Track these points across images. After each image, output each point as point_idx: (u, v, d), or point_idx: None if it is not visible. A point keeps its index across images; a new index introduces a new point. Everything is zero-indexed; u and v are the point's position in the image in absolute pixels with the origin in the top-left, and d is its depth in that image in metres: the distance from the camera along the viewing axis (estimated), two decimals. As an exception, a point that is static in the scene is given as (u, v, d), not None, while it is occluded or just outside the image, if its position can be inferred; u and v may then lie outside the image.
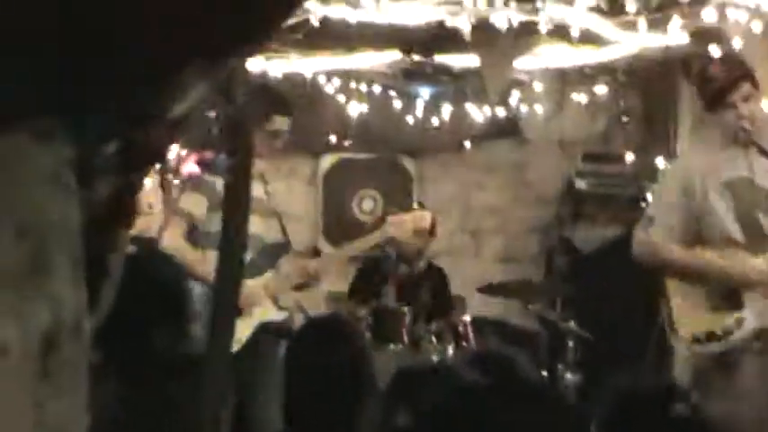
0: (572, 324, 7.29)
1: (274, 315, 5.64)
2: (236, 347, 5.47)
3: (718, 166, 4.99)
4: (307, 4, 5.69)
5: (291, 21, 5.85)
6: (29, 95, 1.06)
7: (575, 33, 6.17)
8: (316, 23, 5.96)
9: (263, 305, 5.68)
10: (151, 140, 1.27)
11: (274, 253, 5.79)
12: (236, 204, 1.39)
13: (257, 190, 5.69)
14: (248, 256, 5.63)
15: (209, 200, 5.52)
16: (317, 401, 3.46)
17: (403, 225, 6.06)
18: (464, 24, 5.93)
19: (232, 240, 1.41)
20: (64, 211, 1.07)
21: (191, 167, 6.30)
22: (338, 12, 5.92)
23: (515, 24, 5.90)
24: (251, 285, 5.59)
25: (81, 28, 1.03)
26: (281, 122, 5.60)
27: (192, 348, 3.47)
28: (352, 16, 5.96)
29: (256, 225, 5.69)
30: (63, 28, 1.04)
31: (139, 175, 1.35)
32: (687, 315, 5.02)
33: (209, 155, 5.81)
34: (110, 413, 2.83)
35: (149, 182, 6.81)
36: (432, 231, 7.66)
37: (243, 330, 5.52)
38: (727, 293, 4.92)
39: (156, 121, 1.23)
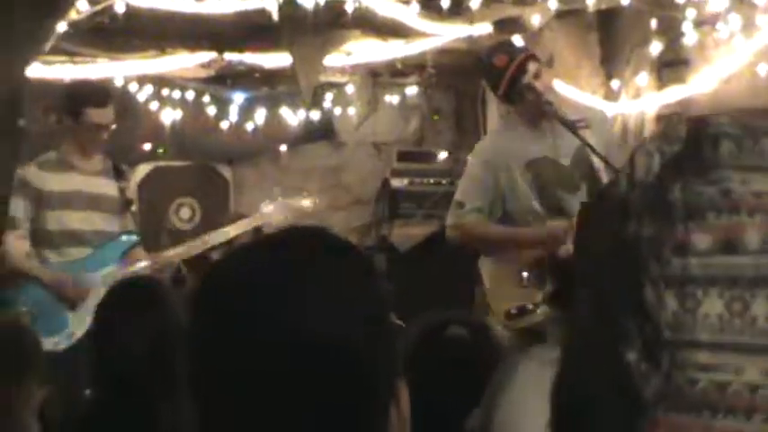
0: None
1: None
2: (67, 342, 5.36)
3: (521, 146, 5.16)
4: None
5: (94, 8, 5.80)
6: None
7: (381, 22, 6.26)
8: (122, 9, 5.87)
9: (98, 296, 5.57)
10: None
11: (119, 246, 5.70)
12: None
13: (100, 185, 5.61)
14: (87, 251, 5.55)
15: (31, 200, 5.44)
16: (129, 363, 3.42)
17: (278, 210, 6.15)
18: (272, 6, 5.94)
19: None
20: None
21: None
22: (143, 1, 5.85)
23: (321, 5, 5.93)
24: (89, 278, 5.51)
25: None
26: (98, 115, 5.52)
27: None
28: (158, 4, 5.90)
29: (96, 219, 5.61)
30: None
31: None
32: (500, 295, 5.15)
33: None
34: None
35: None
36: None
37: (78, 324, 5.41)
38: (537, 272, 5.07)
39: None
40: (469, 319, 2.93)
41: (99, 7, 5.71)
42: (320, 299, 1.33)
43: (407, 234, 8.49)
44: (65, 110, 5.59)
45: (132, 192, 8.61)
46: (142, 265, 5.67)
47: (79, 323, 5.41)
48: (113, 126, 5.59)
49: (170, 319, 3.53)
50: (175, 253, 6.05)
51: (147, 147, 8.47)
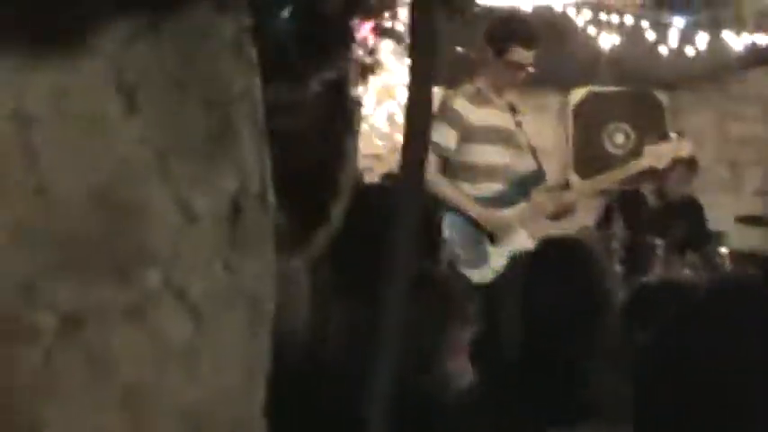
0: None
1: (528, 245, 5.64)
2: (491, 276, 5.54)
3: None
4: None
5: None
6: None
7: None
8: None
9: (517, 234, 5.71)
10: (333, 6, 1.28)
11: (527, 184, 5.80)
12: (416, 118, 1.34)
13: (509, 121, 5.72)
14: (500, 187, 5.69)
15: (458, 130, 5.58)
16: (556, 320, 3.47)
17: (661, 154, 6.02)
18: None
19: (414, 153, 1.37)
20: (246, 82, 1.11)
21: (365, 33, 6.35)
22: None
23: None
24: (505, 215, 5.65)
25: None
26: (521, 55, 5.55)
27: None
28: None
29: (507, 156, 5.73)
30: None
31: (339, 65, 1.38)
32: None
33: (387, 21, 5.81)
34: (343, 328, 2.93)
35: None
36: (692, 166, 7.54)
37: (497, 259, 5.57)
38: None
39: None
40: None
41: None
42: None
43: None
44: (490, 42, 5.63)
45: (568, 116, 8.68)
46: (548, 204, 5.75)
47: (499, 258, 5.55)
48: (532, 69, 5.59)
49: (596, 284, 3.56)
50: (578, 190, 6.10)
51: (584, 71, 8.45)
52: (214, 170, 1.06)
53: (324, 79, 1.40)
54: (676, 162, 6.57)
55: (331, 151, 1.54)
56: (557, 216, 5.87)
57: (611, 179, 6.20)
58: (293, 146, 1.39)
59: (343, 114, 1.49)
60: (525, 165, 5.79)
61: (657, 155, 6.04)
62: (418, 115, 1.30)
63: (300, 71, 1.35)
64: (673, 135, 6.21)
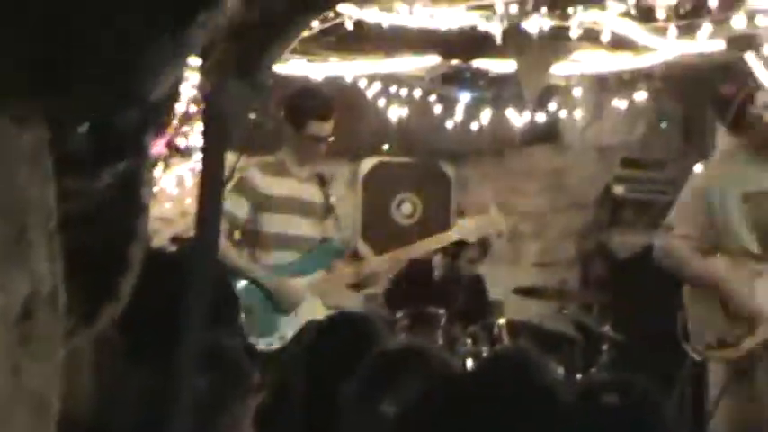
0: (607, 328, 7.33)
1: (320, 314, 5.71)
2: (278, 343, 5.60)
3: (742, 177, 5.05)
4: (341, 8, 5.76)
5: (325, 24, 5.96)
6: (5, 80, 1.13)
7: (606, 39, 6.22)
8: (350, 26, 6.04)
9: (310, 304, 5.77)
10: (130, 123, 1.34)
11: (328, 254, 5.89)
12: (209, 187, 1.42)
13: (312, 193, 5.81)
14: (296, 257, 5.76)
15: (252, 201, 5.64)
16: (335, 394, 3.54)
17: (472, 228, 6.20)
18: (496, 29, 5.99)
19: (206, 223, 1.45)
20: (42, 190, 1.14)
21: (159, 149, 6.44)
22: (372, 15, 5.99)
23: (547, 29, 5.96)
24: (298, 285, 5.71)
25: (48, 13, 1.11)
26: (319, 128, 5.69)
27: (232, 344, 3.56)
28: (387, 20, 6.03)
29: (306, 226, 5.81)
30: (34, 13, 1.11)
31: (139, 161, 1.42)
32: (701, 322, 5.09)
33: (180, 138, 5.95)
34: (133, 396, 2.92)
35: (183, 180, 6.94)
36: (485, 247, 7.76)
37: (288, 328, 5.63)
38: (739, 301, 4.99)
39: (133, 104, 1.29)
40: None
41: (328, 24, 5.86)
42: None
43: (627, 242, 8.42)
44: (288, 118, 5.76)
45: (357, 185, 8.84)
46: (347, 273, 5.85)
47: (289, 327, 5.63)
48: (331, 139, 5.74)
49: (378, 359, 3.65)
50: (379, 262, 6.22)
51: (373, 142, 8.64)
52: (7, 275, 1.09)
53: (116, 172, 1.43)
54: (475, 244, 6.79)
55: (120, 231, 1.56)
56: (357, 286, 5.99)
57: (413, 252, 6.30)
58: (82, 228, 1.41)
59: (134, 198, 1.52)
60: (328, 235, 5.90)
61: (469, 229, 6.23)
62: (210, 186, 1.36)
63: (93, 167, 1.38)
64: (492, 210, 6.40)
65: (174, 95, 1.50)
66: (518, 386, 3.21)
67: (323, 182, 5.92)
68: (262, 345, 5.59)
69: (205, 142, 1.44)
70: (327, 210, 5.90)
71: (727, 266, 5.05)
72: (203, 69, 1.53)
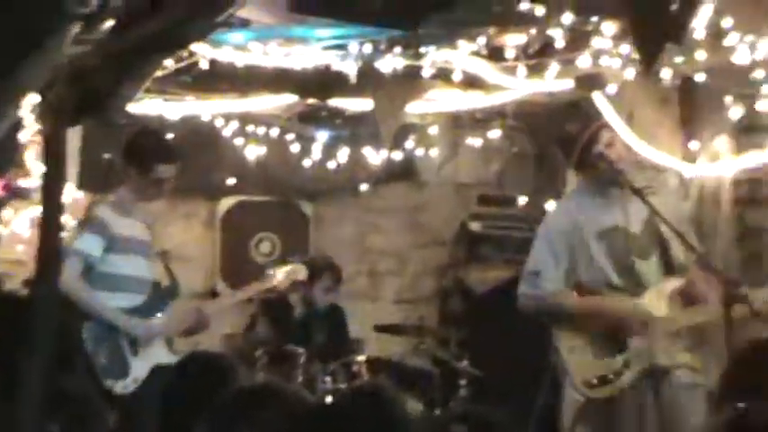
0: (465, 363, 7.41)
1: (166, 358, 5.65)
2: (132, 387, 5.53)
3: (595, 215, 5.18)
4: (195, 48, 5.76)
5: (180, 64, 5.95)
6: None
7: (458, 78, 6.34)
8: (205, 66, 6.04)
9: (158, 346, 5.72)
10: None
11: (165, 296, 5.85)
12: (47, 227, 1.42)
13: (148, 233, 5.77)
14: (142, 298, 5.69)
15: (104, 238, 5.57)
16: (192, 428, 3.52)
17: (279, 277, 6.33)
18: (351, 68, 6.06)
19: (46, 265, 1.44)
20: None
21: None
22: (227, 55, 5.99)
23: (400, 69, 6.05)
24: (149, 326, 5.67)
25: None
26: (164, 170, 5.66)
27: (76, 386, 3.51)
28: (241, 60, 6.04)
29: (147, 267, 5.76)
30: None
31: None
32: (576, 360, 5.17)
33: (19, 181, 5.92)
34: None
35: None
36: (336, 276, 7.81)
37: (139, 370, 5.58)
38: (611, 337, 5.10)
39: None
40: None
41: (183, 64, 5.86)
42: None
43: (484, 277, 8.54)
44: (130, 160, 5.71)
45: (216, 224, 8.79)
46: (185, 318, 5.87)
47: (141, 368, 5.58)
48: (173, 180, 5.72)
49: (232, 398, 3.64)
50: (216, 306, 6.33)
51: (231, 181, 8.61)
52: None
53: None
54: (323, 272, 6.93)
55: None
56: (190, 332, 5.96)
57: (253, 291, 6.41)
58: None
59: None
60: (162, 277, 5.87)
61: (277, 277, 6.35)
62: (48, 227, 1.35)
63: None
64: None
65: (11, 137, 1.49)
66: (373, 421, 3.24)
67: (159, 223, 5.93)
68: (118, 388, 5.52)
69: (43, 184, 1.43)
70: (165, 252, 5.92)
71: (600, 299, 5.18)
72: (40, 112, 1.53)
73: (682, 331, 5.11)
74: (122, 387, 5.53)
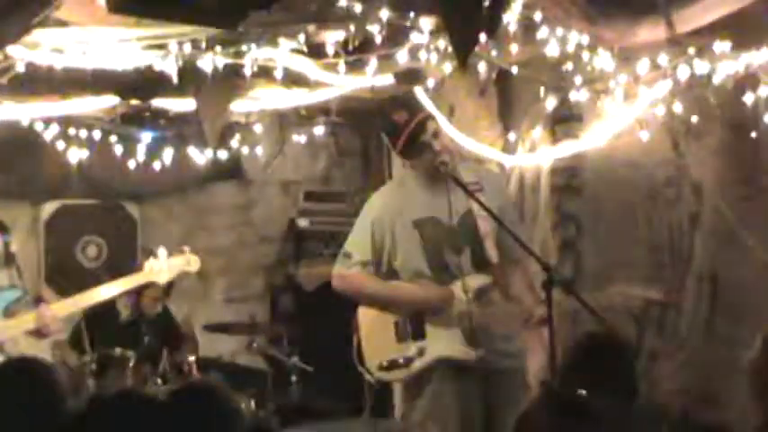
0: (296, 359, 7.46)
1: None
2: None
3: (413, 204, 5.27)
4: (10, 50, 5.64)
5: (-6, 68, 5.82)
6: None
7: (280, 75, 6.36)
8: (21, 69, 5.91)
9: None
10: None
11: (8, 302, 5.71)
12: None
13: None
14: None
15: None
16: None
17: (163, 269, 6.09)
18: (172, 68, 6.01)
19: None
20: None
21: None
22: (45, 57, 5.87)
23: (221, 67, 6.04)
24: None
25: None
26: None
27: None
28: (59, 61, 5.92)
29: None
30: None
31: None
32: (375, 345, 5.27)
33: None
34: None
35: None
36: (168, 286, 7.70)
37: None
38: (413, 325, 5.20)
39: None
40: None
41: (-2, 68, 5.74)
42: None
43: (314, 273, 8.59)
44: None
45: (40, 230, 8.63)
46: (26, 320, 5.68)
47: None
48: None
49: (54, 403, 3.61)
50: (60, 306, 6.03)
51: (53, 185, 8.46)
52: None
53: None
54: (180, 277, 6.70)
55: None
56: (39, 333, 5.80)
57: (105, 292, 6.09)
58: None
59: None
60: (12, 283, 5.73)
61: (159, 270, 6.11)
62: None
63: None
64: (185, 249, 6.30)
65: None
66: (205, 417, 3.28)
67: (3, 229, 5.74)
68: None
69: None
70: (9, 257, 5.74)
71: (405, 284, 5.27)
72: None
73: (482, 325, 5.18)
74: None
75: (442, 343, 5.15)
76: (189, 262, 6.28)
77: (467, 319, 5.09)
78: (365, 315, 5.35)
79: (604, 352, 3.98)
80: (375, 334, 5.28)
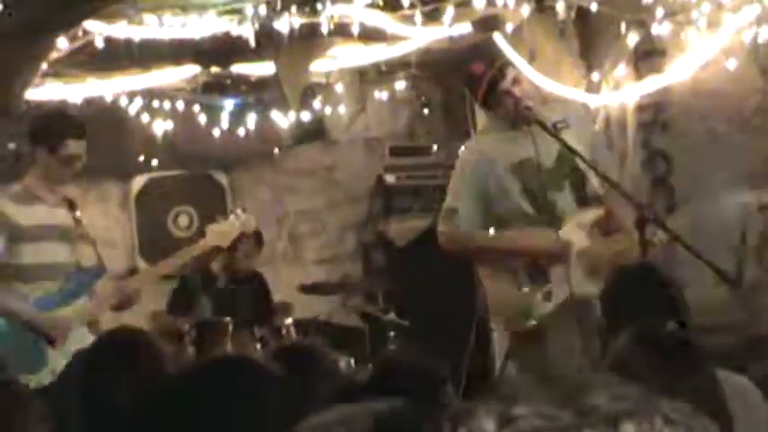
0: (392, 315, 7.47)
1: (88, 341, 5.53)
2: (50, 378, 5.40)
3: (506, 149, 5.23)
4: (88, 25, 5.67)
5: (75, 44, 5.86)
6: None
7: (357, 31, 6.33)
8: (101, 44, 5.94)
9: (77, 332, 5.60)
10: None
11: (87, 278, 5.73)
12: None
13: (64, 217, 5.64)
14: (59, 285, 5.57)
15: (5, 232, 5.44)
16: (119, 411, 3.51)
17: (223, 232, 6.11)
18: (249, 32, 6.01)
19: None
20: None
21: None
22: (122, 31, 5.90)
23: (297, 28, 6.02)
24: (62, 314, 5.53)
25: None
26: (75, 146, 5.51)
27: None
28: (137, 34, 5.95)
29: (63, 252, 5.64)
30: None
31: None
32: (500, 297, 5.24)
33: None
34: None
35: None
36: (258, 240, 7.79)
37: (58, 360, 5.44)
38: (533, 271, 5.16)
39: None
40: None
41: (78, 44, 5.77)
42: None
43: (404, 228, 8.59)
44: (39, 140, 5.52)
45: (130, 204, 8.73)
46: (110, 295, 5.69)
47: (61, 358, 5.44)
48: (84, 159, 5.57)
49: (156, 371, 3.64)
50: (141, 278, 6.10)
51: (141, 159, 8.55)
52: None
53: None
54: (243, 238, 6.72)
55: None
56: (119, 307, 5.83)
57: (173, 264, 6.15)
58: None
59: None
60: (85, 260, 5.75)
61: (220, 233, 6.13)
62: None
63: None
64: (238, 212, 6.33)
65: None
66: (306, 379, 3.28)
67: (72, 206, 5.75)
68: (35, 381, 5.38)
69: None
70: (80, 234, 5.75)
71: (514, 235, 5.24)
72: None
73: (602, 261, 5.16)
74: (39, 380, 5.39)
75: (567, 283, 5.10)
76: (244, 224, 6.26)
77: (587, 256, 5.07)
78: (483, 269, 5.33)
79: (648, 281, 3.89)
80: (496, 285, 5.26)
